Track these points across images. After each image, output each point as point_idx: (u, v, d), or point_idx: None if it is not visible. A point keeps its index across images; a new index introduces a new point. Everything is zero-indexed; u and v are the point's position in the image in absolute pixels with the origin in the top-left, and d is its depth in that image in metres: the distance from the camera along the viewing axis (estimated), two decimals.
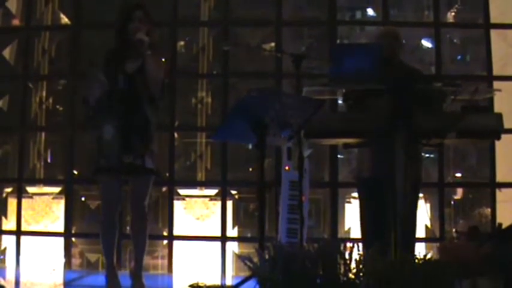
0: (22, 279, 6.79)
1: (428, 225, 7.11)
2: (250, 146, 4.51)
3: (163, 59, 5.21)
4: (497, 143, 6.67)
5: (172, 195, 7.35)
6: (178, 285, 6.66)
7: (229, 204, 7.38)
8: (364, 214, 5.07)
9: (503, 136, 4.56)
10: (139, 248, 4.97)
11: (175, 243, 7.31)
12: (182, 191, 7.45)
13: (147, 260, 7.16)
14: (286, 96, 4.71)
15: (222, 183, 7.35)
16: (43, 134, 7.71)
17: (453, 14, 7.68)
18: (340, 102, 5.10)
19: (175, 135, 7.46)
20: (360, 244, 3.59)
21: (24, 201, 7.50)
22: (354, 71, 4.39)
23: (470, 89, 4.52)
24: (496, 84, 7.06)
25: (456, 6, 7.64)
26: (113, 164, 4.77)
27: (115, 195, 4.87)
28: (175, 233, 7.32)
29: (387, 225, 4.55)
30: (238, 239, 7.42)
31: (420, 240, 6.80)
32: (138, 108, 4.80)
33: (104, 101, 4.78)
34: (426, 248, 6.99)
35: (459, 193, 7.62)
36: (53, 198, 7.53)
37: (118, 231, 4.98)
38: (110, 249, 4.94)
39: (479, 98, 4.63)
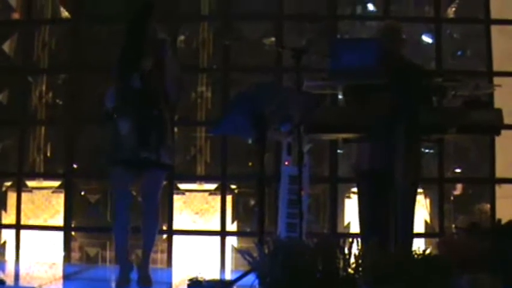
0: (22, 273, 6.79)
1: (428, 221, 7.11)
2: (250, 141, 4.52)
3: None
4: (497, 138, 6.67)
5: (171, 190, 7.34)
6: (178, 280, 6.66)
7: (229, 198, 7.38)
8: (363, 207, 5.07)
9: (503, 132, 4.57)
10: (147, 242, 5.01)
11: (175, 237, 7.31)
12: (182, 185, 7.45)
13: None
14: (287, 90, 4.71)
15: (221, 177, 7.35)
16: (43, 128, 7.70)
17: (453, 9, 7.67)
18: (340, 97, 5.09)
19: (175, 129, 7.45)
20: (359, 238, 3.60)
21: (24, 195, 7.49)
22: (354, 66, 4.38)
23: (470, 84, 4.52)
24: (497, 80, 7.06)
25: (456, 1, 7.62)
26: (129, 158, 4.81)
27: (128, 189, 4.91)
28: (175, 227, 7.32)
29: (385, 218, 4.56)
30: (238, 233, 7.42)
31: (419, 235, 6.80)
32: (153, 104, 4.83)
33: (119, 98, 4.84)
34: (425, 243, 6.99)
35: (459, 188, 7.62)
36: (53, 192, 7.52)
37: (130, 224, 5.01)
38: (124, 245, 4.98)
39: (480, 93, 4.63)
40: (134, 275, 5.03)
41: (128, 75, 4.81)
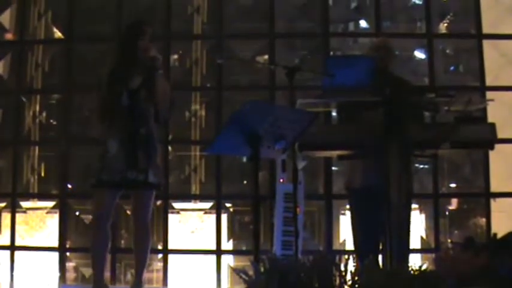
0: None
1: (424, 236, 7.11)
2: (244, 159, 4.51)
3: None
4: (490, 152, 6.67)
5: (166, 209, 7.33)
6: None
7: (224, 217, 7.36)
8: (356, 225, 5.07)
9: (496, 146, 4.57)
10: (139, 263, 4.97)
11: (170, 256, 7.28)
12: (176, 205, 7.43)
13: None
14: (280, 108, 4.71)
15: (216, 196, 7.33)
16: (37, 148, 7.69)
17: (445, 24, 7.70)
18: (334, 114, 5.10)
19: (170, 148, 7.45)
20: (355, 255, 3.59)
21: (18, 215, 7.46)
22: (348, 84, 4.39)
23: (463, 99, 4.53)
24: (489, 95, 7.08)
25: (448, 17, 7.67)
26: (116, 179, 4.77)
27: (108, 206, 4.85)
28: (170, 246, 7.29)
29: (379, 235, 4.55)
30: (233, 252, 7.40)
31: (415, 251, 6.79)
32: (142, 123, 4.82)
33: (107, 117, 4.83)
34: (422, 259, 6.98)
35: (454, 203, 7.62)
36: (47, 212, 7.50)
37: (109, 244, 4.97)
38: (99, 261, 4.90)
39: (473, 108, 4.64)
40: None
41: (116, 93, 4.79)
